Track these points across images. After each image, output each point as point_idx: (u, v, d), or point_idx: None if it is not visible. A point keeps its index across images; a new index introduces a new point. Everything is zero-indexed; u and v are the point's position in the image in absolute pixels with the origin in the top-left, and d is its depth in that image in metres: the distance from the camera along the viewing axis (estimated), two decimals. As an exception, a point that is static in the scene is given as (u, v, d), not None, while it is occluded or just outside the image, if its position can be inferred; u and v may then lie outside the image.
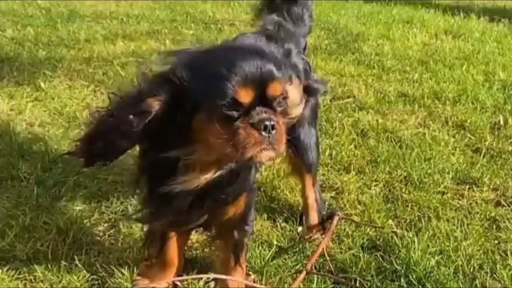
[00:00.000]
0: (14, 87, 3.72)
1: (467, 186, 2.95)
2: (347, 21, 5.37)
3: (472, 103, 3.91)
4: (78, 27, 4.84)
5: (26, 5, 5.38)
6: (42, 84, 3.75)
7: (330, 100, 3.81)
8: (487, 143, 3.39)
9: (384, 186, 2.92)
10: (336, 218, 2.49)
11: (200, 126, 1.60)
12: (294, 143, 2.30)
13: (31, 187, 2.71)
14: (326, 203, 2.69)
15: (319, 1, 5.69)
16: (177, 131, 1.63)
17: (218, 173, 1.72)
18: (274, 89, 1.61)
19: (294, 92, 1.78)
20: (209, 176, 1.71)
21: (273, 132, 1.58)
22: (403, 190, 2.87)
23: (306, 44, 2.52)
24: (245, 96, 1.56)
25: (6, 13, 5.13)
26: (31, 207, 2.55)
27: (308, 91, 2.10)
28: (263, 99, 1.59)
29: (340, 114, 3.62)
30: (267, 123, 1.57)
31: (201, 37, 4.90)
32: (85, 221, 2.48)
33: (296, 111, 1.81)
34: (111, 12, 5.32)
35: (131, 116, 1.60)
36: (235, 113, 1.56)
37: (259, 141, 1.57)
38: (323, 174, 2.96)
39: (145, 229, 2.16)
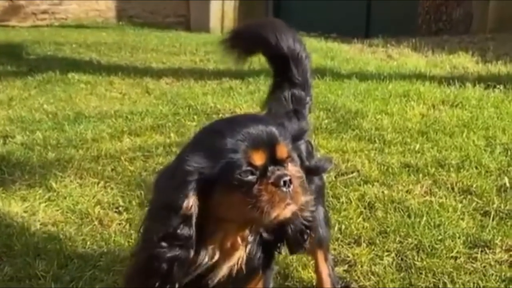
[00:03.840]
0: (26, 189, 3.79)
1: (480, 249, 2.96)
2: (345, 100, 5.46)
3: (476, 168, 3.95)
4: (84, 127, 4.93)
5: (33, 111, 5.49)
6: (54, 185, 3.81)
7: (335, 177, 3.86)
8: (495, 205, 3.42)
9: (396, 255, 2.93)
10: (351, 291, 2.50)
11: (221, 200, 1.64)
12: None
13: (48, 284, 2.74)
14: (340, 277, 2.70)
15: (315, 82, 5.79)
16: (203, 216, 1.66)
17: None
18: (282, 148, 1.69)
19: (298, 177, 1.80)
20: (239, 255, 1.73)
21: (291, 186, 1.64)
22: (416, 258, 2.88)
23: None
24: (259, 159, 1.64)
25: (14, 120, 5.24)
26: (48, 305, 2.56)
27: (313, 171, 2.16)
28: (273, 160, 1.66)
29: (346, 189, 3.66)
30: (285, 178, 1.64)
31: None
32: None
33: (303, 199, 1.79)
34: (116, 111, 5.42)
35: (179, 231, 1.62)
36: (252, 178, 1.62)
37: (282, 197, 1.63)
38: (334, 249, 2.98)
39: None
